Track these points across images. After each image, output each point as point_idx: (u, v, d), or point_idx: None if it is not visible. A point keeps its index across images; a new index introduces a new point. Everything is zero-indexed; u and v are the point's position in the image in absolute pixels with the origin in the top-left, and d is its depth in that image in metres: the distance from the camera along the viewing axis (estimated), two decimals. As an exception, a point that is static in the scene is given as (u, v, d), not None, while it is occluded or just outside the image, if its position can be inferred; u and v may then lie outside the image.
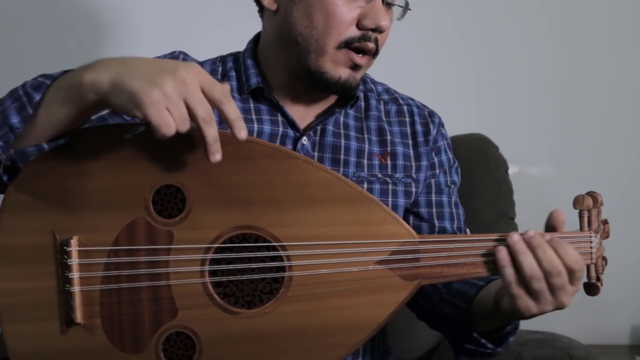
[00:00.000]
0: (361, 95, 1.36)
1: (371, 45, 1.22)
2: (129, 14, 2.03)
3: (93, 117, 1.20)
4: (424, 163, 1.36)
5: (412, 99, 1.42)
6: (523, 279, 1.07)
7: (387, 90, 1.42)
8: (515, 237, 1.08)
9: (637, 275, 2.13)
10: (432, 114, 1.41)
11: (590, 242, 1.11)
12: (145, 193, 1.10)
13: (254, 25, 1.36)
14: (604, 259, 1.21)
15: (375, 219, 1.11)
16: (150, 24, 2.03)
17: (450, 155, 1.41)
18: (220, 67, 1.33)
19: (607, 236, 1.24)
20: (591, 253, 1.12)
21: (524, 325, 1.84)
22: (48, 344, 1.10)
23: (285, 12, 1.23)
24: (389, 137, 1.35)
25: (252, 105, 1.29)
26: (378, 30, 1.21)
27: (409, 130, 1.37)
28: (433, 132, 1.38)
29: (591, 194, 1.15)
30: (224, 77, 1.31)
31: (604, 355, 2.02)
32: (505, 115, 2.17)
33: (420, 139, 1.37)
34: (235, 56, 1.35)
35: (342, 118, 1.33)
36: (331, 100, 1.33)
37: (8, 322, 1.11)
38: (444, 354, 1.73)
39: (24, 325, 1.10)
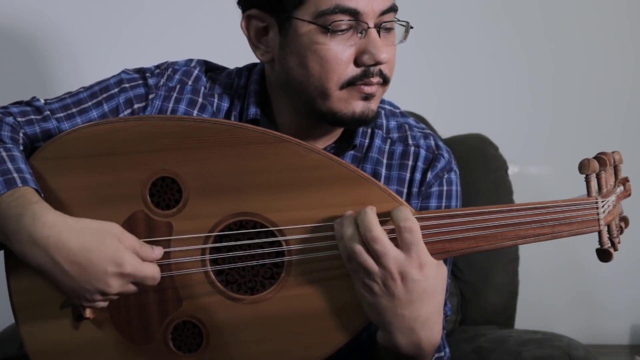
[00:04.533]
0: (367, 131, 1.28)
1: (376, 80, 1.14)
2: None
3: (107, 108, 1.22)
4: None
5: (426, 138, 1.30)
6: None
7: (401, 126, 1.31)
8: (349, 212, 1.07)
9: (637, 275, 2.12)
10: (438, 157, 1.28)
11: (597, 207, 1.07)
12: (142, 186, 1.11)
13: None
14: (623, 219, 1.16)
15: (371, 198, 1.09)
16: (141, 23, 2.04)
17: (445, 205, 1.27)
18: (235, 80, 1.28)
19: (629, 195, 1.19)
20: (598, 220, 1.07)
21: (524, 325, 1.83)
22: (62, 338, 1.14)
23: (281, 63, 1.17)
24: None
25: None
26: (378, 64, 1.14)
27: (407, 176, 1.27)
28: (429, 177, 1.26)
29: (599, 156, 1.10)
30: (236, 93, 1.27)
31: (604, 355, 2.00)
32: (505, 115, 2.14)
33: (415, 189, 1.26)
34: (250, 71, 1.29)
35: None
36: (334, 137, 1.26)
37: (23, 319, 1.15)
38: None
39: (38, 321, 1.14)
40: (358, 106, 1.16)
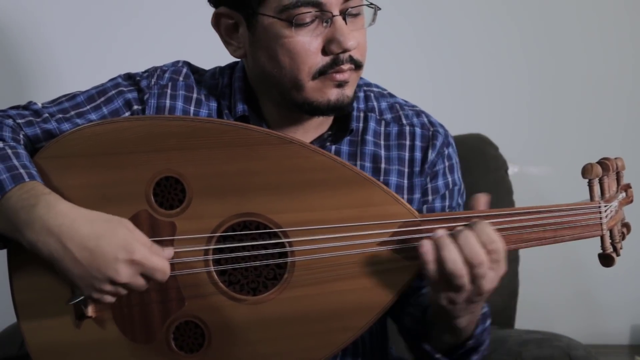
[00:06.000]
0: (361, 115, 1.28)
1: (346, 66, 1.15)
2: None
3: (106, 110, 1.22)
4: (417, 196, 1.27)
5: (418, 116, 1.31)
6: (444, 275, 1.02)
7: (392, 107, 1.31)
8: (440, 232, 1.04)
9: (637, 275, 2.11)
10: (436, 134, 1.29)
11: (600, 212, 1.07)
12: (146, 186, 1.11)
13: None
14: (625, 225, 1.16)
15: (375, 200, 1.10)
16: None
17: (450, 179, 1.30)
18: (219, 80, 1.28)
19: (631, 201, 1.19)
20: (601, 224, 1.08)
21: (524, 325, 1.82)
22: (63, 337, 1.14)
23: (253, 58, 1.19)
24: (383, 165, 1.26)
25: None
26: (346, 51, 1.14)
27: (407, 155, 1.27)
28: (431, 156, 1.28)
29: (602, 161, 1.10)
30: (221, 92, 1.27)
31: (604, 355, 2.00)
32: (504, 115, 2.13)
33: (417, 168, 1.27)
34: (232, 69, 1.30)
35: (334, 145, 1.26)
36: (326, 125, 1.27)
37: (24, 317, 1.15)
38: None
39: (40, 320, 1.14)
40: (332, 94, 1.16)
